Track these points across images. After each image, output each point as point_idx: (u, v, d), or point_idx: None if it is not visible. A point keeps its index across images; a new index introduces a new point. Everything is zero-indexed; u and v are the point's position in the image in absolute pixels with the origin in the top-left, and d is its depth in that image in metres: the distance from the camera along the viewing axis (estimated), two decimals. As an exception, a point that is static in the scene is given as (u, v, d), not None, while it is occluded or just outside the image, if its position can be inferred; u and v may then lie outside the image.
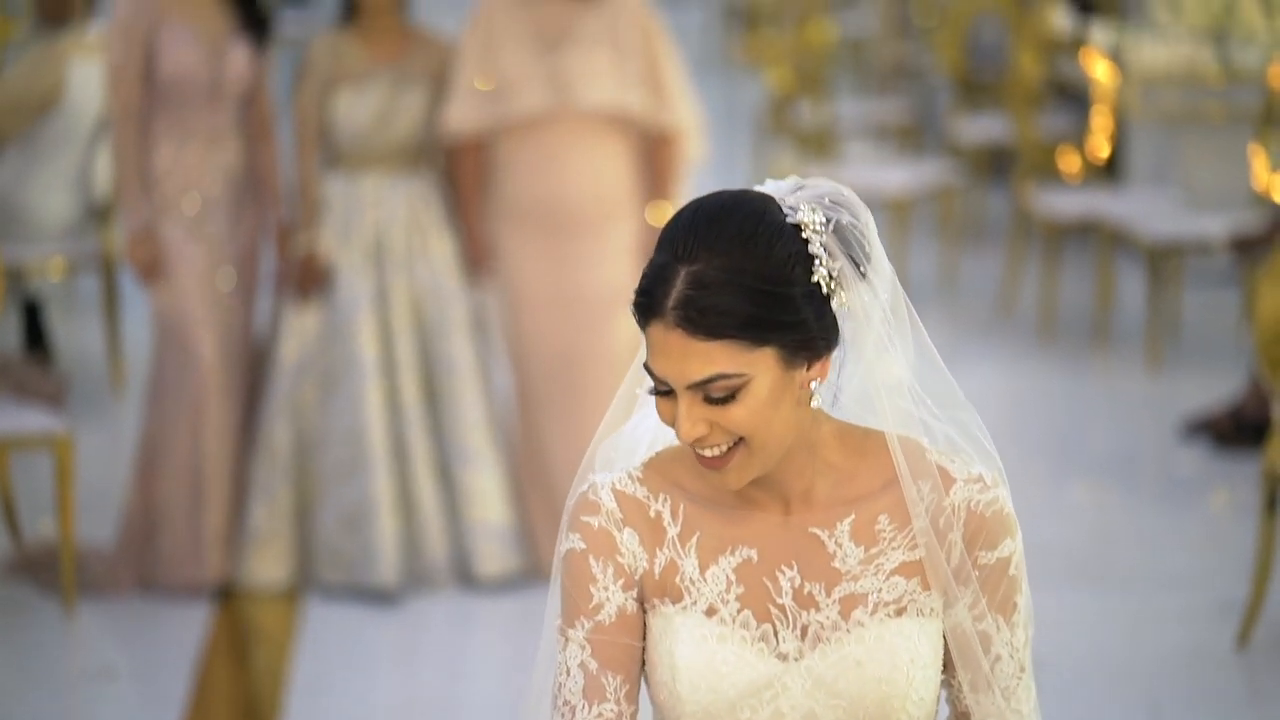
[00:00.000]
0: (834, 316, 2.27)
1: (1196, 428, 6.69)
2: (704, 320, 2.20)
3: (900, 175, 8.92)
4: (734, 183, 8.32)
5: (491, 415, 5.61)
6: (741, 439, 2.25)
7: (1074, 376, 7.65)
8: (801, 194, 2.29)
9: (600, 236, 5.48)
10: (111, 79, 5.44)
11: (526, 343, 5.55)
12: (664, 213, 5.42)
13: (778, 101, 9.51)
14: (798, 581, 2.32)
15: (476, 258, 5.58)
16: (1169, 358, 7.65)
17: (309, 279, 5.53)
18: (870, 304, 2.29)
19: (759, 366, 2.22)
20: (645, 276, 2.25)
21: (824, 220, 2.25)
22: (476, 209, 5.57)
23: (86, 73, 6.99)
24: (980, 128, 9.59)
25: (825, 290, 2.24)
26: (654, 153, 5.52)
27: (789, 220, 2.25)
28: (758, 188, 2.32)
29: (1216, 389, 7.09)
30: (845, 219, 2.27)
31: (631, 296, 2.25)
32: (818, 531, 2.33)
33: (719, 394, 2.22)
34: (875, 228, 2.31)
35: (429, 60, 5.60)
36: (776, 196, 2.28)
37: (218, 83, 5.43)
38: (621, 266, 5.48)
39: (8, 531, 5.67)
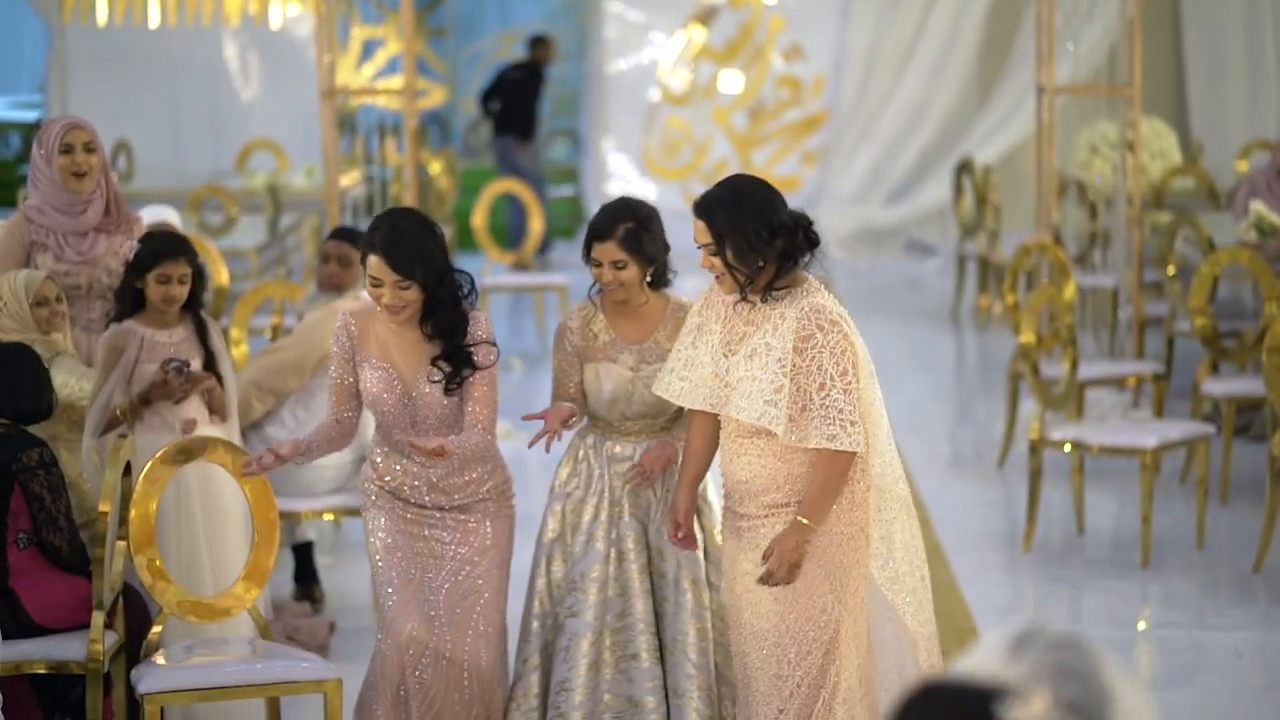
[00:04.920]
0: None
1: None
2: None
3: (1148, 429, 8.86)
4: (988, 438, 8.08)
5: (708, 672, 5.69)
6: None
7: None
8: (1026, 666, 2.14)
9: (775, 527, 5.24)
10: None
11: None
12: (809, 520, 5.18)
13: (1026, 354, 9.56)
14: None
15: (673, 522, 5.45)
16: None
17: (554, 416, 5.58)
18: None
19: None
20: None
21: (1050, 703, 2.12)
22: (689, 477, 5.46)
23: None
24: (1228, 383, 9.54)
25: None
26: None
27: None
28: (979, 664, 2.16)
29: None
30: (1074, 692, 2.13)
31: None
32: None
33: None
34: (1115, 669, 2.17)
35: (677, 333, 5.56)
36: (999, 683, 2.12)
37: (414, 416, 5.52)
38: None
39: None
